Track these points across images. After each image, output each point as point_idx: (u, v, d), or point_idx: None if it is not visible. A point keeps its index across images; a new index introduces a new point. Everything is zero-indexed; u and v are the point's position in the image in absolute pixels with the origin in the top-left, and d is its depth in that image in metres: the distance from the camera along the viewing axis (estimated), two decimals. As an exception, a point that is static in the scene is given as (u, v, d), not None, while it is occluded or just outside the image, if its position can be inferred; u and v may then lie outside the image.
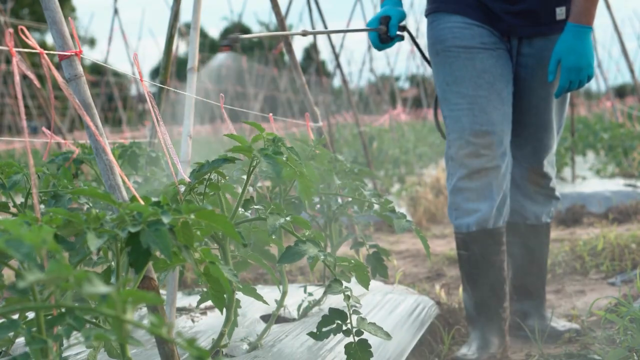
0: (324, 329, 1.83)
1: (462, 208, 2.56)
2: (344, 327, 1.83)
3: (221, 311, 1.82)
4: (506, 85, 2.55)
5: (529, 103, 2.62)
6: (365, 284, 1.98)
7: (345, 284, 1.89)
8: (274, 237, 2.01)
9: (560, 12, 2.52)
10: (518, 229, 2.78)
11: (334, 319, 1.83)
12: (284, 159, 1.84)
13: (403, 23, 2.63)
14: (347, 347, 1.81)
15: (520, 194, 2.74)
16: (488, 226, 2.54)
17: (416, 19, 15.60)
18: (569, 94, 2.67)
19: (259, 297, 2.03)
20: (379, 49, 2.61)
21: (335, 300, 2.44)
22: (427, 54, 2.72)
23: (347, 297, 1.83)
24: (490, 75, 2.53)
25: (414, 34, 3.49)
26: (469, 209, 2.55)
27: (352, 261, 1.94)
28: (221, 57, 2.42)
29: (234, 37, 2.31)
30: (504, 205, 2.58)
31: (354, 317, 1.83)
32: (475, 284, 2.58)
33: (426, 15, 2.66)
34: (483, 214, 2.53)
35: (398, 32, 2.60)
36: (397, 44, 2.79)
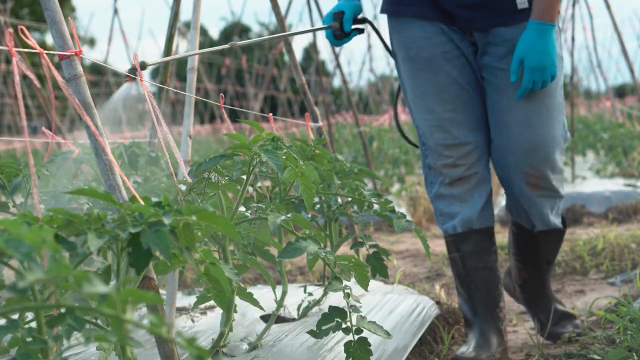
0: (323, 327, 1.83)
1: (445, 213, 2.56)
2: (344, 325, 1.83)
3: (225, 311, 1.82)
4: (474, 93, 2.51)
5: (508, 98, 2.48)
6: (364, 284, 1.98)
7: (345, 282, 1.90)
8: (274, 237, 2.02)
9: (522, 1, 2.41)
10: (526, 236, 2.68)
11: (333, 317, 1.83)
12: (284, 157, 1.84)
13: (361, 16, 2.57)
14: (347, 345, 1.81)
15: (525, 203, 2.57)
16: (474, 227, 2.54)
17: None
18: (560, 86, 2.52)
19: (255, 302, 2.02)
20: (336, 45, 2.57)
21: (335, 300, 2.44)
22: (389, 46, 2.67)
23: (347, 295, 1.83)
24: (456, 86, 2.48)
25: None
26: (452, 213, 2.55)
27: (352, 260, 1.94)
28: (126, 87, 2.11)
29: (142, 64, 1.98)
30: (489, 207, 2.56)
31: (354, 316, 1.83)
32: (468, 286, 2.58)
33: (382, 12, 2.59)
34: (467, 216, 2.53)
35: (356, 26, 2.54)
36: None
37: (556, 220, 2.62)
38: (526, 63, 2.36)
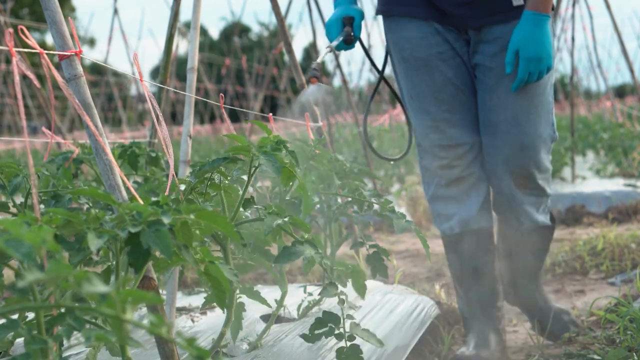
0: (316, 332, 1.84)
1: (443, 214, 2.57)
2: (337, 331, 1.83)
3: (224, 311, 1.82)
4: (470, 93, 2.50)
5: (498, 97, 2.46)
6: (361, 292, 1.99)
7: (340, 287, 1.90)
8: (274, 237, 2.02)
9: None
10: (515, 235, 2.63)
11: (327, 322, 1.84)
12: (286, 161, 1.84)
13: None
14: (339, 351, 1.82)
15: (512, 202, 2.55)
16: (472, 227, 2.54)
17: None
18: (550, 85, 2.49)
19: (263, 301, 2.04)
20: (344, 50, 2.55)
21: (335, 301, 2.43)
22: (373, 58, 2.72)
23: (342, 301, 1.84)
24: (451, 87, 2.48)
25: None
26: (449, 214, 2.55)
27: (350, 266, 1.94)
28: (313, 89, 2.38)
29: (316, 66, 2.28)
30: (486, 207, 2.56)
31: (347, 323, 1.84)
32: (466, 286, 2.58)
33: (377, 14, 2.59)
34: (464, 216, 2.53)
35: None
36: None
37: (543, 218, 2.60)
38: (522, 54, 2.34)
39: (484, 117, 2.51)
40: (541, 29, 2.34)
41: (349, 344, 1.82)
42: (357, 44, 2.56)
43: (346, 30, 2.49)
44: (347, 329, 1.83)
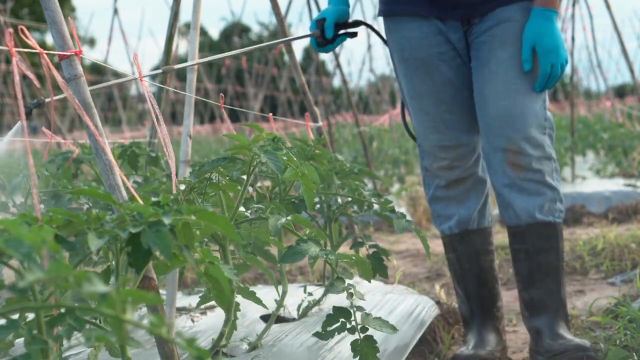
0: (328, 328, 1.84)
1: (442, 215, 2.57)
2: (349, 325, 1.83)
3: (225, 311, 1.82)
4: (469, 94, 2.48)
5: (489, 69, 2.40)
6: (367, 277, 1.98)
7: (347, 281, 1.90)
8: (279, 237, 2.02)
9: None
10: (516, 232, 2.45)
11: (338, 318, 1.84)
12: (284, 158, 1.84)
13: (353, 19, 2.50)
14: (353, 344, 1.81)
15: (508, 188, 2.40)
16: (471, 227, 2.54)
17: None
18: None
19: (258, 301, 2.03)
20: (321, 52, 2.52)
21: (335, 300, 2.44)
22: (374, 57, 2.70)
23: (350, 295, 1.84)
24: (451, 87, 2.47)
25: None
26: (449, 214, 2.56)
27: (353, 257, 1.94)
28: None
29: (40, 100, 1.78)
30: (486, 208, 2.56)
31: (358, 314, 1.84)
32: (466, 286, 2.58)
33: (379, 15, 2.56)
34: (464, 217, 2.53)
35: (343, 31, 2.49)
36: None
37: (543, 216, 2.41)
38: (539, 48, 2.32)
39: (477, 97, 2.45)
40: (552, 24, 2.34)
41: (362, 335, 1.82)
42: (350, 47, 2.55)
43: (314, 33, 2.46)
44: (359, 321, 1.83)
